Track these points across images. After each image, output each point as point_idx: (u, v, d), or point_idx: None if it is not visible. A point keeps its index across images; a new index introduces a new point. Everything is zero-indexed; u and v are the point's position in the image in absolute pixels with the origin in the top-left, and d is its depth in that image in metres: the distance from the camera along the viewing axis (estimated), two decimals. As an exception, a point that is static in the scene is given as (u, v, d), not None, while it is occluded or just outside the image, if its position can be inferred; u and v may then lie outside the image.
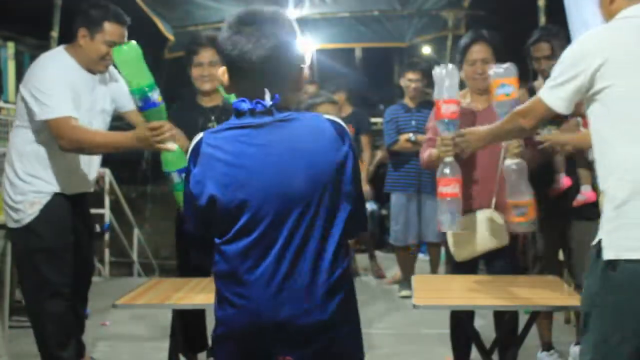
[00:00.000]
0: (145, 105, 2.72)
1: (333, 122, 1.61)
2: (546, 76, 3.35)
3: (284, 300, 1.52)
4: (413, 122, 5.02)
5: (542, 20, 4.98)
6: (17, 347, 3.81)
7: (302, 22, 7.11)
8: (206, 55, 3.12)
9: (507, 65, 2.82)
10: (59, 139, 2.81)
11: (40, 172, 2.93)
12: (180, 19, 7.19)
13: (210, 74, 3.12)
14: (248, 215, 1.53)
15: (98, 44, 2.90)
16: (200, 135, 1.60)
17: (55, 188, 2.94)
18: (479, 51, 2.99)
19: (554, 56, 3.30)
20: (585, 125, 3.24)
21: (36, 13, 6.36)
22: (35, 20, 6.59)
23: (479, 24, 6.66)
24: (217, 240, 1.58)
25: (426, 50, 11.22)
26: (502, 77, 2.79)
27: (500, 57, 3.01)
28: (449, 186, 2.79)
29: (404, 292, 5.11)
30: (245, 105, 1.56)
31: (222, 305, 1.59)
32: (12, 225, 2.97)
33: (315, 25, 7.32)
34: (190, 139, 2.92)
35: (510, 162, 2.82)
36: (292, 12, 6.94)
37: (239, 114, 1.58)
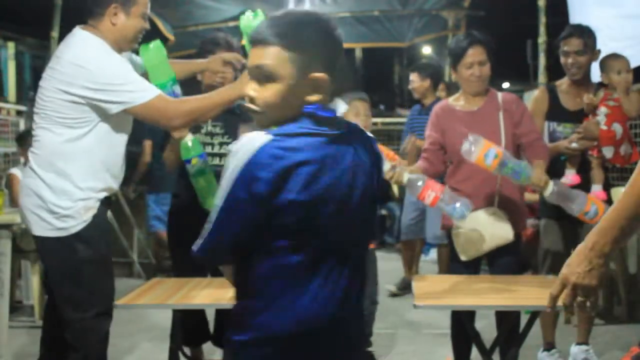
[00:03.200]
0: None
1: (373, 138, 1.67)
2: (573, 73, 3.40)
3: (329, 311, 1.53)
4: (421, 125, 5.03)
5: (543, 20, 4.99)
6: (17, 347, 3.80)
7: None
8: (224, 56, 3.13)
9: (471, 139, 2.80)
10: (167, 120, 2.56)
11: (94, 174, 2.57)
12: (181, 19, 7.19)
13: (225, 76, 3.14)
14: (317, 225, 1.50)
15: (135, 18, 2.63)
16: (264, 138, 1.48)
17: (104, 193, 2.63)
18: (475, 54, 3.00)
19: (584, 52, 3.35)
20: (609, 123, 3.28)
21: (36, 13, 6.36)
22: (35, 20, 6.59)
23: (479, 24, 6.66)
24: (276, 245, 1.50)
25: (426, 50, 11.23)
26: (479, 148, 2.77)
27: (494, 56, 3.04)
28: (428, 196, 2.80)
29: (392, 288, 5.13)
30: (326, 113, 1.54)
31: (260, 310, 1.53)
32: (51, 234, 2.51)
33: (316, 25, 7.31)
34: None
35: (549, 193, 2.83)
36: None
37: (319, 120, 1.54)
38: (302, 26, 1.53)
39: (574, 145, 3.31)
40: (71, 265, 2.53)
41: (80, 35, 2.59)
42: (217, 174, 3.07)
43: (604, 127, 3.28)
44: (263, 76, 1.52)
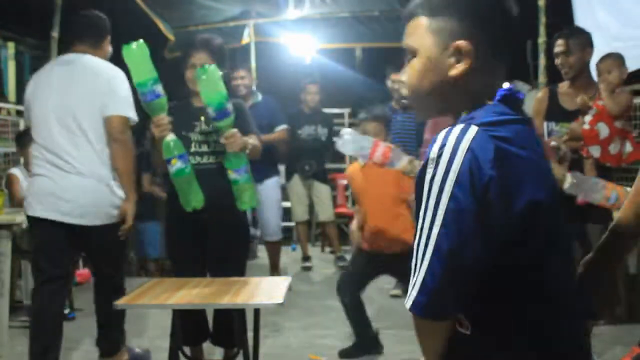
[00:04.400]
0: (149, 97, 2.91)
1: None
2: (564, 72, 3.46)
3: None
4: (397, 125, 5.02)
5: (543, 20, 4.98)
6: (17, 347, 3.80)
7: (302, 22, 7.13)
8: (199, 57, 3.11)
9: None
10: (120, 135, 3.12)
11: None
12: (181, 19, 7.19)
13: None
14: (549, 222, 1.22)
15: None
16: (475, 129, 1.17)
17: None
18: None
19: (570, 52, 3.42)
20: (593, 123, 3.30)
21: (36, 13, 6.35)
22: (35, 20, 6.59)
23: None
24: (534, 258, 1.20)
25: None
26: None
27: None
28: None
29: (395, 292, 5.11)
30: (520, 95, 1.28)
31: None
32: (112, 220, 3.20)
33: (315, 25, 7.33)
34: (179, 135, 3.03)
35: (568, 185, 2.84)
36: (292, 12, 6.94)
37: (516, 103, 1.27)
38: None
39: (553, 143, 3.35)
40: (121, 246, 3.35)
41: (101, 63, 3.19)
42: (211, 171, 3.07)
43: (587, 127, 3.31)
44: (409, 56, 1.34)
